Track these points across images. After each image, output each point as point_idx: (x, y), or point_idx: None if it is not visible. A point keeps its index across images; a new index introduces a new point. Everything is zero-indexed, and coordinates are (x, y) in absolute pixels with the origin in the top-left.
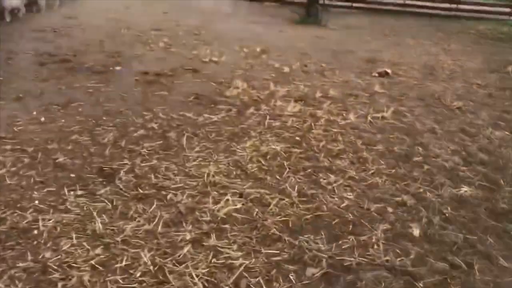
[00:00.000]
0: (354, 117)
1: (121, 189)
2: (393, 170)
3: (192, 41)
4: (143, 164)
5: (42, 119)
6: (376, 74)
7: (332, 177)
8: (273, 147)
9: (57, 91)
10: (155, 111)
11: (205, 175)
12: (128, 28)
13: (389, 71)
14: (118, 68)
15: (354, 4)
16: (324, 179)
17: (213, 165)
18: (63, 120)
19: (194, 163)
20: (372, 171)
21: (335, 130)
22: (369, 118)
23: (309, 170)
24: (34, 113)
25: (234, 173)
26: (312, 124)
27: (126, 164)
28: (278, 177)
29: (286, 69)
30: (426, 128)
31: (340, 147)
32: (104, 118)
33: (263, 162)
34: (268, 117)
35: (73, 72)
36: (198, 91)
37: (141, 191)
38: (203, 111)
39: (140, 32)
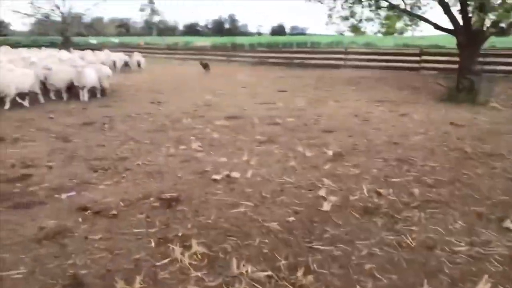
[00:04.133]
0: None
1: None
2: None
3: (251, 136)
4: None
5: None
6: None
7: None
8: None
9: None
10: None
11: None
12: (176, 121)
13: None
14: (65, 195)
15: None
16: None
17: None
18: None
19: None
20: None
21: None
22: None
23: None
24: None
25: None
26: None
27: None
28: None
29: (327, 206)
30: None
31: None
32: None
33: None
34: None
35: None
36: (120, 257)
37: None
38: None
39: (188, 127)
